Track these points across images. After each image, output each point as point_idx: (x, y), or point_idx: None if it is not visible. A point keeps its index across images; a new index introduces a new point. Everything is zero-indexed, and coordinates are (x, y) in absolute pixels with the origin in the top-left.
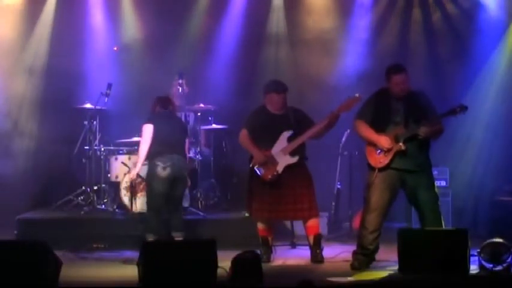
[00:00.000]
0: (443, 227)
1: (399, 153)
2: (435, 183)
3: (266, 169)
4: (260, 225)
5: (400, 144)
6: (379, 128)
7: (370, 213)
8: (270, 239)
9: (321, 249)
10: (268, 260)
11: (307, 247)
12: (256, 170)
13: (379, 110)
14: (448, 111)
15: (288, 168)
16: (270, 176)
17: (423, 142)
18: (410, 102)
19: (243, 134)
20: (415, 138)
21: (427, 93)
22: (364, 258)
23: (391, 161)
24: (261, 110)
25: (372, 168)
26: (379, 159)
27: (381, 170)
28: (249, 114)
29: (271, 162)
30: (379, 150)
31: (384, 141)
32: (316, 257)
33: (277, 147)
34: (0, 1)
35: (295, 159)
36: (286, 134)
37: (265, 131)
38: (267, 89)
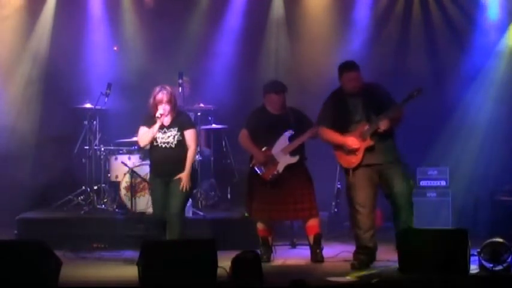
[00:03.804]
0: (413, 218)
1: (368, 150)
2: (408, 175)
3: (266, 169)
4: (260, 225)
5: (368, 140)
6: (342, 130)
7: (361, 212)
8: (270, 238)
9: (321, 249)
10: (268, 260)
11: (307, 247)
12: (256, 169)
13: (337, 112)
14: (406, 97)
15: (288, 168)
16: (270, 176)
17: (388, 134)
18: (367, 96)
19: (243, 135)
20: (378, 132)
21: (426, 93)
22: (366, 257)
23: (362, 159)
24: (261, 110)
25: (346, 170)
26: (351, 160)
27: (355, 169)
28: (249, 115)
29: (271, 162)
30: (347, 151)
31: (351, 141)
32: (316, 256)
33: (277, 147)
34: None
35: (295, 159)
36: (287, 134)
37: (265, 131)
38: (266, 89)
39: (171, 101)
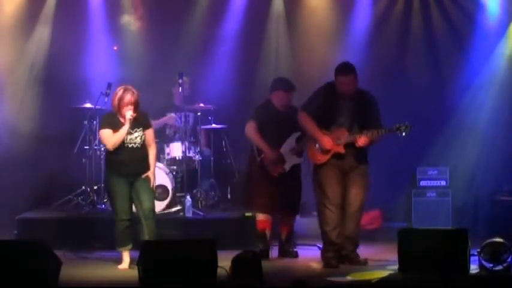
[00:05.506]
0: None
1: (336, 155)
2: (367, 182)
3: (274, 166)
4: (262, 216)
5: (340, 147)
6: (323, 126)
7: (330, 209)
8: (267, 232)
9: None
10: (267, 256)
11: (307, 247)
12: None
13: (325, 107)
14: (394, 128)
15: (291, 167)
16: (276, 174)
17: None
18: (358, 104)
19: (252, 127)
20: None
21: (426, 93)
22: (335, 254)
23: (327, 161)
24: (269, 105)
25: (314, 166)
26: (317, 156)
27: (320, 166)
28: (257, 108)
29: (279, 160)
30: (317, 146)
31: (325, 142)
32: (292, 253)
33: (286, 146)
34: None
35: (301, 160)
36: (295, 135)
37: (273, 127)
38: (275, 85)
39: (138, 101)
